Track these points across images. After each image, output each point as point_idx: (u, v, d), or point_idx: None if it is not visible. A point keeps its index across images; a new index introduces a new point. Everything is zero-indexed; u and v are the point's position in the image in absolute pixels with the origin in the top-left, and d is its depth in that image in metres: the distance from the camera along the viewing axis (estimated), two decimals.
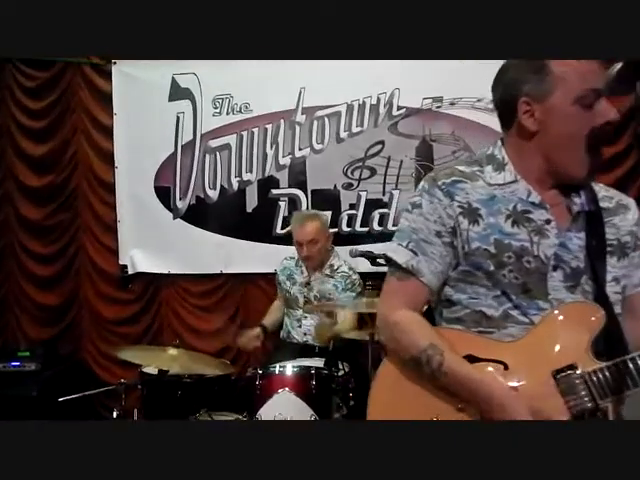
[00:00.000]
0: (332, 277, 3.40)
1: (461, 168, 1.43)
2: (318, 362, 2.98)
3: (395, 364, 1.39)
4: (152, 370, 3.19)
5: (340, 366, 3.00)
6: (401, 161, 3.66)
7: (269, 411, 2.53)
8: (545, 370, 1.26)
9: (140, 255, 4.02)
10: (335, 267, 3.42)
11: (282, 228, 3.84)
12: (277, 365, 2.73)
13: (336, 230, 3.65)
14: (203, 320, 3.98)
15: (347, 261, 3.42)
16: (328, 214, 3.61)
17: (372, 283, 2.84)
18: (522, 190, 1.38)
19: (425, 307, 1.49)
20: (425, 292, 1.41)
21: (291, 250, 3.60)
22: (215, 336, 3.89)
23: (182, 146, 3.96)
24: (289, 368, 2.68)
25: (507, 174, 1.40)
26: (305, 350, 3.27)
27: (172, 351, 2.93)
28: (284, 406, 2.53)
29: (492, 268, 1.34)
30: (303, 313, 3.40)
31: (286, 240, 3.74)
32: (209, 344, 3.87)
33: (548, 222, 1.36)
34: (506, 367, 1.28)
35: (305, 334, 3.38)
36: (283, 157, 3.83)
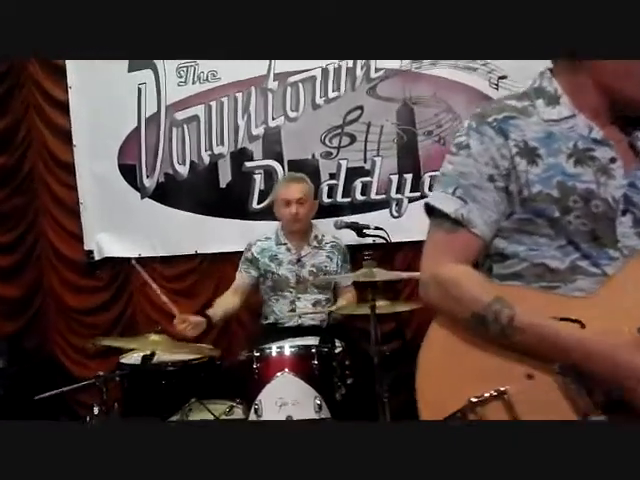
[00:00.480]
0: (322, 248, 3.23)
1: (511, 102, 1.26)
2: (312, 340, 2.81)
3: (447, 328, 1.22)
4: (132, 360, 2.99)
5: (337, 343, 2.84)
6: (382, 126, 3.47)
7: (269, 396, 2.33)
8: (629, 327, 1.11)
9: (107, 239, 3.76)
10: (319, 238, 3.25)
11: (259, 203, 3.62)
12: (273, 345, 2.53)
13: (317, 202, 3.45)
14: (179, 305, 3.61)
15: (328, 232, 3.27)
16: None
17: (370, 253, 2.66)
18: (582, 126, 1.22)
19: None
20: (478, 245, 1.24)
21: (270, 226, 3.41)
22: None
23: (146, 119, 3.69)
24: (287, 348, 2.49)
25: (562, 108, 1.24)
26: (297, 332, 3.05)
27: (154, 337, 2.72)
28: (286, 389, 2.34)
29: (557, 214, 1.18)
30: (296, 294, 3.18)
31: (264, 215, 3.57)
32: None
33: (613, 160, 1.21)
34: (582, 326, 1.12)
35: (300, 317, 3.17)
36: (256, 127, 3.59)
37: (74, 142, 3.75)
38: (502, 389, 1.14)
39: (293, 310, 3.19)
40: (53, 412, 3.51)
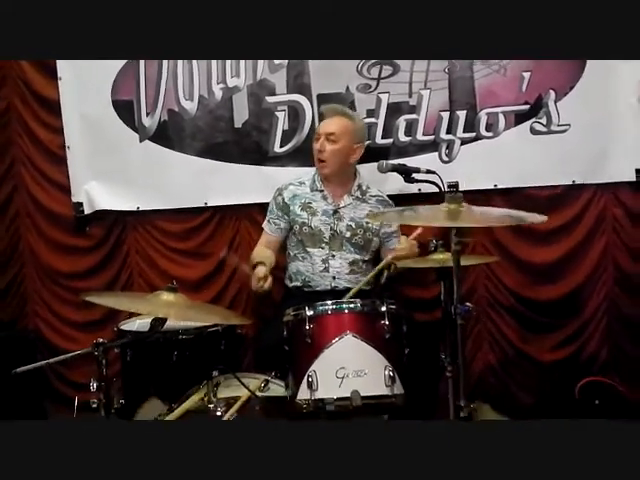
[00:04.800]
0: (365, 201, 2.78)
1: None
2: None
3: None
4: (135, 327, 2.52)
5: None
6: None
7: (327, 365, 1.80)
8: None
9: (99, 189, 3.18)
10: (364, 188, 2.81)
11: (282, 146, 3.08)
12: (328, 301, 1.98)
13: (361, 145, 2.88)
14: (185, 267, 3.20)
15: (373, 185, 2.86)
16: None
17: (454, 184, 2.11)
18: None
19: None
20: None
21: (295, 174, 2.95)
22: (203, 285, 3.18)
23: None
24: (346, 304, 1.94)
25: None
26: (333, 297, 2.50)
27: (167, 296, 2.13)
28: (349, 356, 1.81)
29: None
30: (330, 251, 2.71)
31: (287, 161, 3.08)
32: (195, 297, 3.08)
33: None
34: None
35: (334, 278, 2.70)
36: None
37: (59, 74, 3.16)
38: None
39: (326, 270, 2.69)
40: (35, 395, 2.98)
